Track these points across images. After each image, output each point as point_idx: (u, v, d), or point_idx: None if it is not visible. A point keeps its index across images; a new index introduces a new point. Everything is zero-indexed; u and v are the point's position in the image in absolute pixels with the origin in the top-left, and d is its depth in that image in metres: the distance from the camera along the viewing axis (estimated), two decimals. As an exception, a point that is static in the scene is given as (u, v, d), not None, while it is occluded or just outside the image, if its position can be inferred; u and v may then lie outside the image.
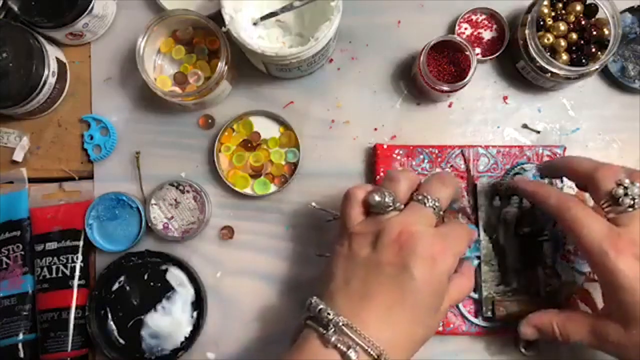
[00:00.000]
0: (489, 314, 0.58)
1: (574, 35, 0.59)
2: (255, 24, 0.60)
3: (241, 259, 0.63)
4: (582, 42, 0.59)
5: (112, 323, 0.61)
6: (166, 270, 0.62)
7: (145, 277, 0.62)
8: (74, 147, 0.65)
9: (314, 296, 0.46)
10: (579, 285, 0.59)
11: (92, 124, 0.65)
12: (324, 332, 0.43)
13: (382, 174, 0.61)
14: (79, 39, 0.64)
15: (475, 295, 0.59)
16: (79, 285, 0.62)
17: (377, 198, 0.48)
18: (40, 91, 0.61)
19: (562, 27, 0.59)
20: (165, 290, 0.61)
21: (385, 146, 0.62)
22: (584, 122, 0.64)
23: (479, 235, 0.59)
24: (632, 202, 0.47)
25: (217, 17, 0.58)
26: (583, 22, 0.59)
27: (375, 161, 0.62)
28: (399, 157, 0.61)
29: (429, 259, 0.45)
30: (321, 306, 0.44)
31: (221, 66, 0.59)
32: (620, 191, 0.47)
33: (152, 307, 0.61)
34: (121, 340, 0.61)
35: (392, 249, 0.45)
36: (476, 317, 0.59)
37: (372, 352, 0.43)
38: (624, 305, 0.46)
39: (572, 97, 0.64)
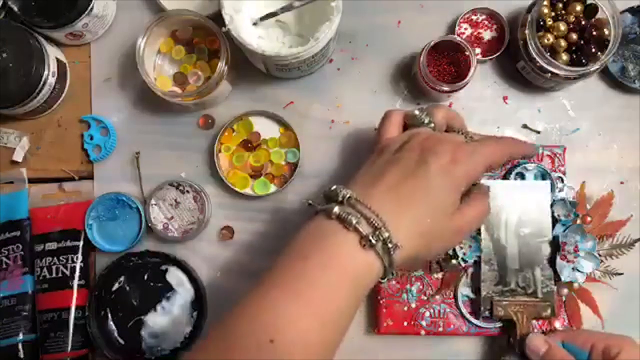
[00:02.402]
0: (487, 313, 0.58)
1: (574, 36, 0.59)
2: (255, 24, 0.60)
3: (241, 259, 0.63)
4: (582, 42, 0.59)
5: (112, 323, 0.61)
6: (166, 270, 0.62)
7: (145, 277, 0.62)
8: (74, 147, 0.65)
9: None
10: (579, 285, 0.59)
11: (92, 124, 0.65)
12: (329, 205, 0.44)
13: None
14: (79, 39, 0.64)
15: (474, 296, 0.60)
16: (79, 286, 0.62)
17: (416, 112, 0.52)
18: (40, 91, 0.61)
19: (562, 27, 0.59)
20: (165, 290, 0.61)
21: None
22: (584, 122, 0.64)
23: (479, 232, 0.59)
24: None
25: (217, 17, 0.58)
26: (583, 22, 0.59)
27: None
28: None
29: (449, 160, 0.46)
30: (334, 186, 0.45)
31: (221, 66, 0.59)
32: None
33: (152, 307, 0.61)
34: (121, 340, 0.61)
35: (416, 150, 0.47)
36: (477, 318, 0.59)
37: (374, 222, 0.42)
38: None
39: (572, 97, 0.64)
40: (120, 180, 0.64)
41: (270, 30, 0.62)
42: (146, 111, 0.65)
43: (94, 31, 0.64)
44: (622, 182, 0.63)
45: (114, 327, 0.61)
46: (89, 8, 0.60)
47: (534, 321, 0.59)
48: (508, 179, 0.60)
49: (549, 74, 0.59)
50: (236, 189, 0.63)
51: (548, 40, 0.59)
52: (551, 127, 0.64)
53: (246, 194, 0.63)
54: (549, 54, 0.58)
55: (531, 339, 0.55)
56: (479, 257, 0.59)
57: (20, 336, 0.61)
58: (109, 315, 0.61)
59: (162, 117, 0.65)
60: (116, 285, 0.61)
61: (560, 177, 0.60)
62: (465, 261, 0.59)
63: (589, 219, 0.59)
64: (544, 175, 0.60)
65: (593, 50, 0.58)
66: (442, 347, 0.61)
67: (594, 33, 0.58)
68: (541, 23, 0.59)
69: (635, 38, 0.63)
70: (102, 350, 0.61)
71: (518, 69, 0.63)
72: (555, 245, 0.58)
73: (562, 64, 0.58)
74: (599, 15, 0.59)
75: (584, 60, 0.58)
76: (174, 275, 0.62)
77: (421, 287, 0.60)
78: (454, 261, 0.59)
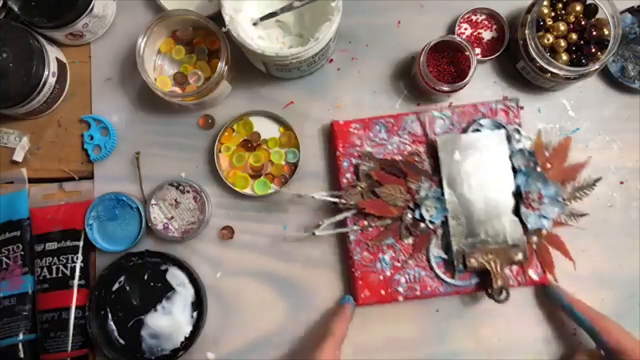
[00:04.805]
0: (461, 267, 0.59)
1: (574, 36, 0.59)
2: (255, 24, 0.60)
3: (241, 259, 0.63)
4: (582, 42, 0.59)
5: (112, 323, 0.61)
6: (166, 270, 0.62)
7: (145, 277, 0.62)
8: (74, 147, 0.66)
9: None
10: (547, 231, 0.59)
11: (92, 124, 0.65)
12: None
13: (341, 149, 0.61)
14: (79, 39, 0.64)
15: (446, 256, 0.60)
16: (79, 285, 0.62)
17: None
18: (40, 91, 0.61)
19: (562, 27, 0.59)
20: (165, 290, 0.61)
21: (341, 122, 0.62)
22: (584, 122, 0.64)
23: (442, 193, 0.59)
24: None
25: (217, 17, 0.58)
26: (583, 22, 0.59)
27: (333, 137, 0.62)
28: (356, 131, 0.62)
29: None
30: None
31: (221, 66, 0.59)
32: None
33: (152, 307, 0.61)
34: (121, 340, 0.61)
35: None
36: (452, 277, 0.60)
37: None
38: None
39: (572, 97, 0.64)
40: (120, 180, 0.64)
41: (270, 30, 0.62)
42: (146, 111, 0.65)
43: (94, 31, 0.64)
44: (622, 182, 0.63)
45: (114, 327, 0.61)
46: (89, 8, 0.60)
47: (508, 271, 0.59)
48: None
49: (549, 74, 0.59)
50: (236, 189, 0.63)
51: (548, 40, 0.59)
52: (551, 127, 0.64)
53: (246, 194, 0.63)
54: (549, 54, 0.58)
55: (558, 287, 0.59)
56: (446, 217, 0.59)
57: (20, 336, 0.61)
58: (109, 315, 0.61)
59: (162, 117, 0.65)
60: (116, 285, 0.61)
61: (517, 129, 0.60)
62: (432, 223, 0.59)
63: (548, 165, 0.60)
64: (500, 129, 0.60)
65: (593, 50, 0.58)
66: (442, 347, 0.61)
67: (594, 33, 0.58)
68: (541, 23, 0.59)
69: (635, 38, 0.63)
70: (102, 350, 0.61)
71: (518, 69, 0.63)
72: (519, 195, 0.59)
73: (562, 64, 0.58)
74: (599, 15, 0.59)
75: (584, 60, 0.58)
76: (174, 275, 0.62)
77: (394, 254, 0.60)
78: (422, 224, 0.59)
